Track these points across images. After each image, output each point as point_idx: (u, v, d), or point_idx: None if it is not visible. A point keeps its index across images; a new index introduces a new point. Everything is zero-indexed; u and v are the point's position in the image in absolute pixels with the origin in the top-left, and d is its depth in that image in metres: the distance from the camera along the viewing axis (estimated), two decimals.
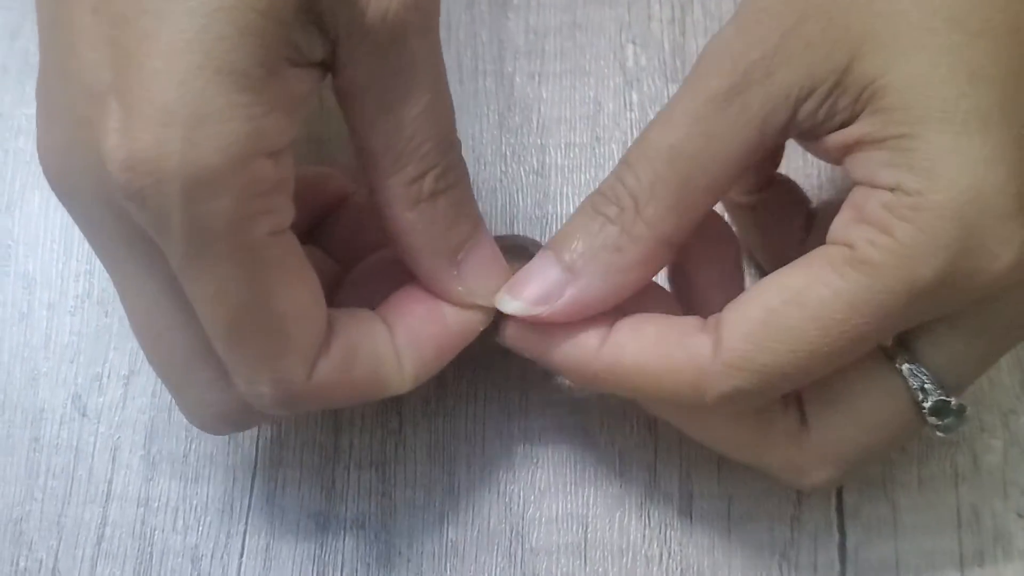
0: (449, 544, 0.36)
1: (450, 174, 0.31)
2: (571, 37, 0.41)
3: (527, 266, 0.31)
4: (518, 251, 0.33)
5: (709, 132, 0.29)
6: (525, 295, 0.31)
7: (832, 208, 0.30)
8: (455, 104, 0.41)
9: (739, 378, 0.28)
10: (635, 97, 0.40)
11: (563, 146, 0.40)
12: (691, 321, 0.30)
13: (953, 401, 0.30)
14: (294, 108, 0.28)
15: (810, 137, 0.29)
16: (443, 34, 0.41)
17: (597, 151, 0.40)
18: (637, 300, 0.31)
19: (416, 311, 0.32)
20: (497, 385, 0.37)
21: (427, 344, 0.31)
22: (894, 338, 0.30)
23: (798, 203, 0.36)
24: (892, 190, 0.27)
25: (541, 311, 0.31)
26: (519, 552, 0.36)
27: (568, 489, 0.36)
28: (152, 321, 0.30)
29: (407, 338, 0.31)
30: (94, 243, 0.30)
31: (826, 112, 0.28)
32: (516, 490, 0.36)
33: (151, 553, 0.36)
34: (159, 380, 0.37)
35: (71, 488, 0.37)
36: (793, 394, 0.31)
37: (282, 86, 0.27)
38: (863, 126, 0.28)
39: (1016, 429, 0.37)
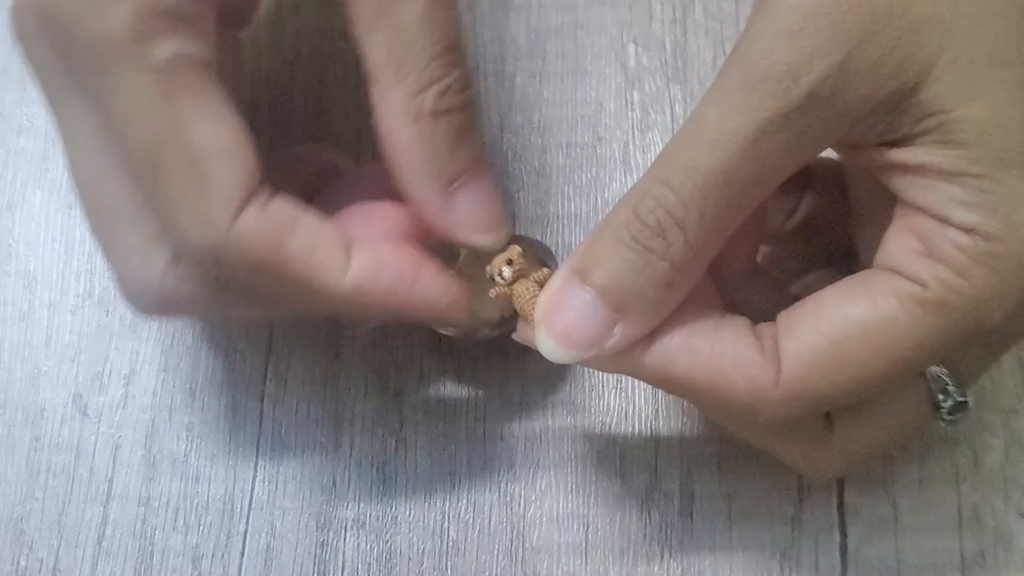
0: (450, 543, 0.36)
1: (454, 94, 0.30)
2: (572, 37, 0.41)
3: (564, 308, 0.29)
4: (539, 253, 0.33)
5: (765, 156, 0.26)
6: (574, 341, 0.29)
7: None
8: None
9: (798, 407, 0.28)
10: (636, 97, 0.40)
11: (564, 146, 0.40)
12: (745, 336, 0.29)
13: (969, 400, 0.30)
14: None
15: (853, 148, 0.28)
16: None
17: (598, 151, 0.40)
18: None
19: (375, 216, 0.31)
20: (498, 384, 0.37)
21: (381, 250, 0.30)
22: None
23: None
24: (968, 231, 0.26)
25: (591, 355, 0.29)
26: (520, 551, 0.36)
27: (569, 488, 0.36)
28: (87, 173, 0.30)
29: (360, 237, 0.30)
30: (47, 96, 0.30)
31: (883, 129, 0.27)
32: (517, 489, 0.36)
33: (152, 552, 0.36)
34: (159, 377, 0.37)
35: (72, 487, 0.37)
36: None
37: None
38: (932, 155, 0.26)
39: (1017, 428, 0.37)
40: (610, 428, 0.37)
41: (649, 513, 0.36)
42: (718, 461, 0.36)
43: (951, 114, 0.26)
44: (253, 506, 0.36)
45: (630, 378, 0.37)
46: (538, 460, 0.37)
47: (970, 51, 0.26)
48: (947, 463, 0.36)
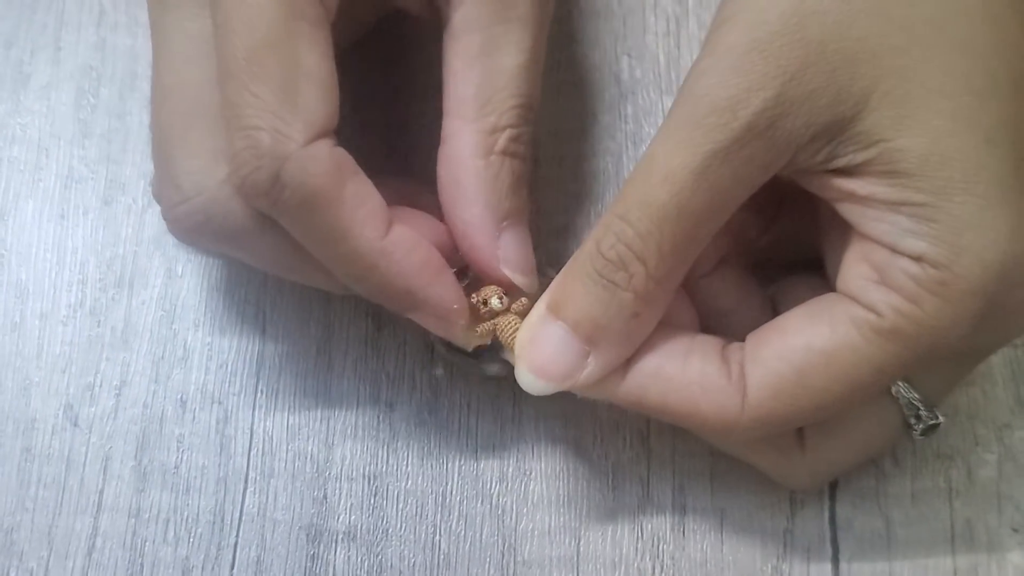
0: (441, 556, 0.36)
1: (522, 146, 0.32)
2: (566, 49, 0.41)
3: (540, 341, 0.30)
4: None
5: (714, 187, 0.28)
6: (550, 373, 0.30)
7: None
8: None
9: (763, 429, 0.30)
10: (630, 109, 0.40)
11: (556, 159, 0.40)
12: (712, 361, 0.30)
13: (941, 421, 0.31)
14: None
15: (804, 174, 0.29)
16: (436, 49, 0.41)
17: (591, 163, 0.40)
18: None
19: (422, 221, 0.33)
20: (490, 397, 0.37)
21: (419, 236, 0.31)
22: None
23: None
24: (916, 259, 0.27)
25: (567, 386, 0.30)
26: (511, 564, 0.36)
27: (561, 502, 0.36)
28: (173, 77, 0.31)
29: (402, 217, 0.31)
30: (152, 5, 0.32)
31: (825, 156, 0.28)
32: (509, 502, 0.36)
33: (142, 564, 0.36)
34: (149, 388, 0.37)
35: (62, 498, 0.37)
36: None
37: None
38: (876, 185, 0.28)
39: (1010, 443, 0.37)
40: (602, 441, 0.37)
41: (641, 527, 0.36)
42: (710, 475, 0.36)
43: (891, 143, 0.27)
44: (243, 518, 0.36)
45: None
46: (530, 473, 0.37)
47: (905, 83, 0.27)
48: (940, 478, 0.36)
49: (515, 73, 0.32)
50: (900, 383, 0.31)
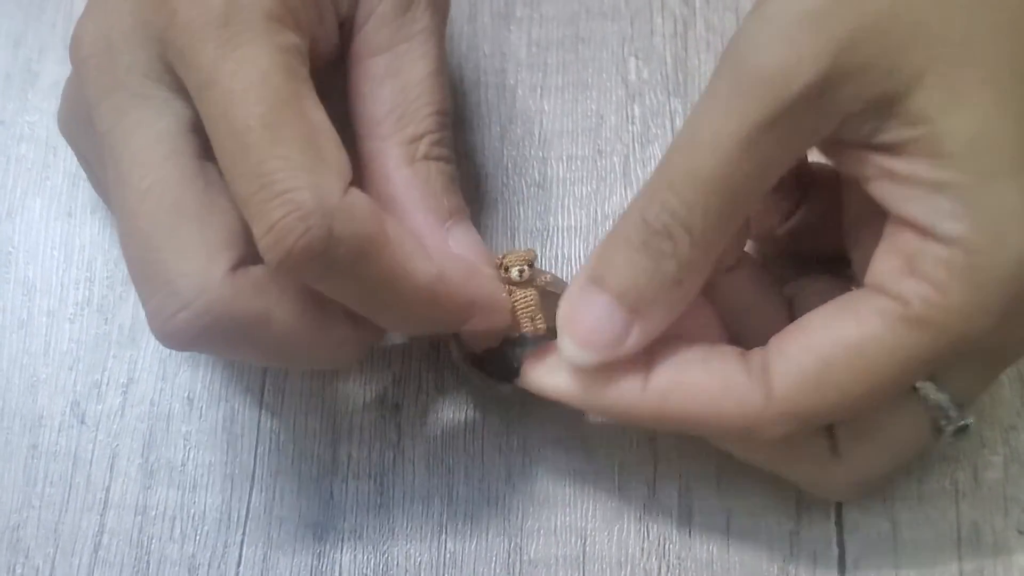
0: (447, 555, 0.36)
1: (445, 148, 0.33)
2: (573, 50, 0.41)
3: (583, 313, 0.30)
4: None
5: (760, 157, 0.27)
6: (595, 344, 0.30)
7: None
8: (457, 115, 0.41)
9: (790, 424, 0.29)
10: (637, 110, 0.40)
11: (565, 158, 0.40)
12: (734, 362, 0.30)
13: (971, 423, 0.31)
14: (316, 13, 0.31)
15: (844, 148, 0.29)
16: (445, 46, 0.41)
17: (599, 164, 0.40)
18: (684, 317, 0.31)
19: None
20: (496, 397, 0.37)
21: (453, 252, 0.32)
22: None
23: None
24: (950, 244, 0.26)
25: (612, 356, 0.30)
26: (517, 564, 0.36)
27: (567, 501, 0.36)
28: (148, 179, 0.29)
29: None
30: (106, 91, 0.30)
31: (870, 130, 0.27)
32: (515, 502, 0.36)
33: (148, 562, 0.36)
34: (157, 386, 0.37)
35: (69, 495, 0.37)
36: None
37: None
38: (919, 164, 0.27)
39: (1017, 445, 0.36)
40: (609, 441, 0.37)
41: (647, 527, 0.36)
42: (717, 476, 0.36)
43: (939, 125, 0.26)
44: (250, 516, 0.36)
45: None
46: (536, 473, 0.37)
47: (960, 65, 0.26)
48: (946, 480, 0.36)
49: (426, 83, 0.33)
50: (928, 383, 0.30)
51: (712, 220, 0.28)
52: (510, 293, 0.33)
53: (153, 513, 0.36)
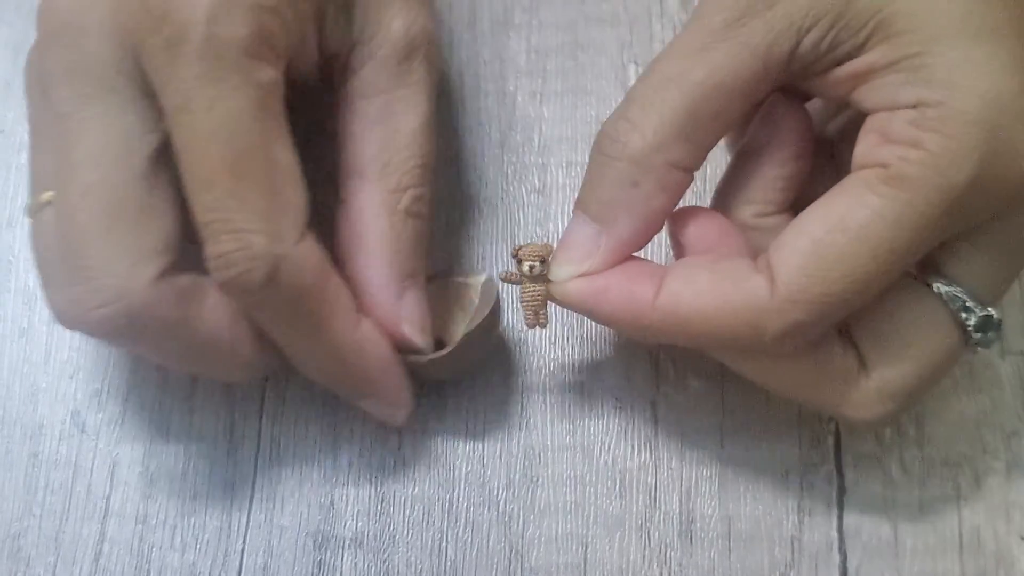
0: (448, 563, 0.36)
1: (424, 206, 0.34)
2: (573, 57, 0.41)
3: (566, 233, 0.32)
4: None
5: (713, 61, 0.29)
6: (570, 258, 0.32)
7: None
8: (457, 122, 0.41)
9: (798, 311, 0.29)
10: None
11: (564, 165, 0.40)
12: (742, 263, 0.30)
13: (995, 313, 0.31)
14: (299, 27, 0.31)
15: (815, 71, 0.30)
16: (445, 53, 0.41)
17: None
18: (704, 236, 0.32)
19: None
20: (497, 404, 0.37)
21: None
22: (925, 266, 0.31)
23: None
24: (914, 107, 0.28)
25: (587, 267, 0.31)
26: (518, 572, 0.36)
27: (568, 509, 0.36)
28: (91, 176, 0.30)
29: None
30: (71, 73, 0.31)
31: (829, 43, 0.29)
32: (516, 509, 0.36)
33: (149, 570, 0.36)
34: (156, 395, 0.37)
35: (69, 504, 0.37)
36: (847, 335, 0.32)
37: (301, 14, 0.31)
38: (873, 55, 0.29)
39: (1019, 451, 0.36)
40: (609, 448, 0.37)
41: (648, 534, 0.36)
42: (718, 482, 0.36)
43: (884, 12, 0.28)
44: (251, 524, 0.36)
45: (630, 396, 0.37)
46: (537, 480, 0.36)
47: None
48: (948, 485, 0.36)
49: (415, 134, 0.33)
50: (939, 281, 0.30)
51: (666, 118, 0.30)
52: (521, 284, 0.33)
53: (154, 522, 0.36)
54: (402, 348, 0.34)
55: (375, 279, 0.33)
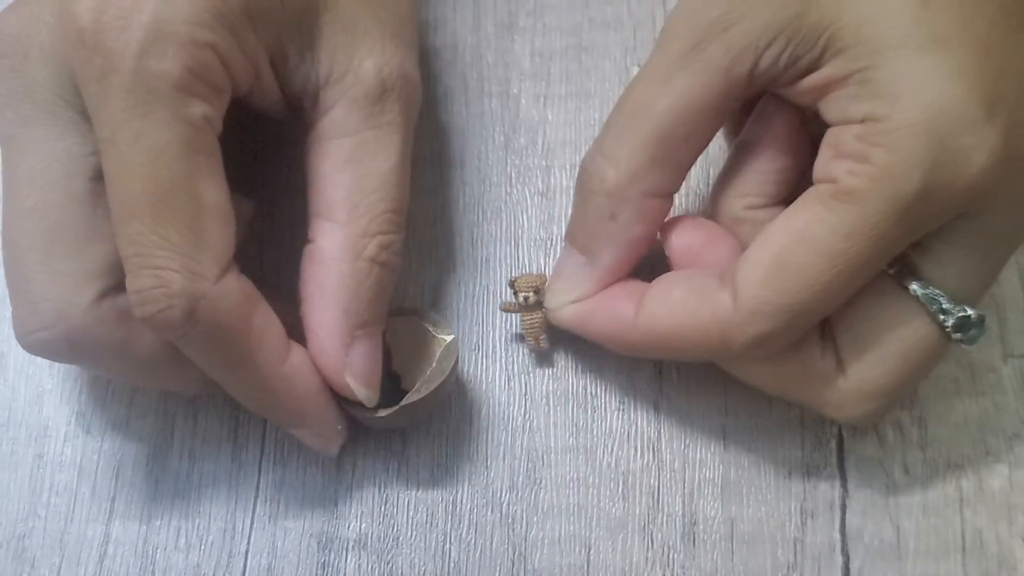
0: (451, 565, 0.36)
1: (392, 254, 0.33)
2: (576, 60, 0.42)
3: (559, 264, 0.35)
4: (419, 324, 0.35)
5: (677, 88, 0.31)
6: (562, 287, 0.34)
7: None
8: (461, 124, 0.41)
9: (760, 323, 0.30)
10: None
11: (568, 167, 0.40)
12: (711, 278, 0.31)
13: (972, 313, 0.31)
14: (245, 63, 0.31)
15: (781, 84, 0.31)
16: (449, 56, 0.41)
17: None
18: (690, 246, 0.33)
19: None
20: (501, 406, 0.37)
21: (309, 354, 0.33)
22: (900, 267, 0.31)
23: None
24: (862, 121, 0.29)
25: (577, 295, 0.34)
26: (521, 573, 0.36)
27: (571, 511, 0.36)
28: (33, 198, 0.30)
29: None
30: (15, 97, 0.31)
31: (788, 58, 0.30)
32: (519, 511, 0.36)
33: (153, 571, 0.36)
34: (161, 396, 0.37)
35: (74, 505, 0.37)
36: (829, 337, 0.32)
37: (245, 41, 0.30)
38: (830, 68, 0.29)
39: (1021, 453, 0.36)
40: (612, 450, 0.37)
41: (651, 536, 0.36)
42: (721, 484, 0.36)
43: (833, 26, 0.29)
44: (255, 526, 0.36)
45: (633, 399, 0.37)
46: (540, 482, 0.37)
47: None
48: (951, 487, 0.36)
49: (387, 177, 0.33)
50: (916, 282, 0.31)
51: (637, 148, 0.31)
52: (519, 313, 0.36)
53: (158, 523, 0.37)
54: (344, 397, 0.33)
55: (326, 324, 0.32)
